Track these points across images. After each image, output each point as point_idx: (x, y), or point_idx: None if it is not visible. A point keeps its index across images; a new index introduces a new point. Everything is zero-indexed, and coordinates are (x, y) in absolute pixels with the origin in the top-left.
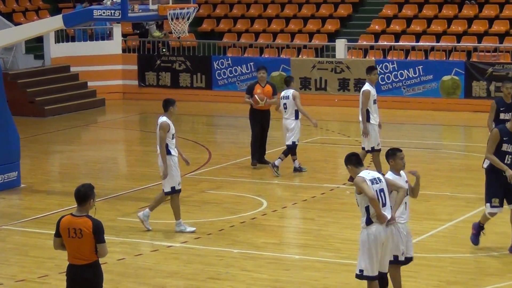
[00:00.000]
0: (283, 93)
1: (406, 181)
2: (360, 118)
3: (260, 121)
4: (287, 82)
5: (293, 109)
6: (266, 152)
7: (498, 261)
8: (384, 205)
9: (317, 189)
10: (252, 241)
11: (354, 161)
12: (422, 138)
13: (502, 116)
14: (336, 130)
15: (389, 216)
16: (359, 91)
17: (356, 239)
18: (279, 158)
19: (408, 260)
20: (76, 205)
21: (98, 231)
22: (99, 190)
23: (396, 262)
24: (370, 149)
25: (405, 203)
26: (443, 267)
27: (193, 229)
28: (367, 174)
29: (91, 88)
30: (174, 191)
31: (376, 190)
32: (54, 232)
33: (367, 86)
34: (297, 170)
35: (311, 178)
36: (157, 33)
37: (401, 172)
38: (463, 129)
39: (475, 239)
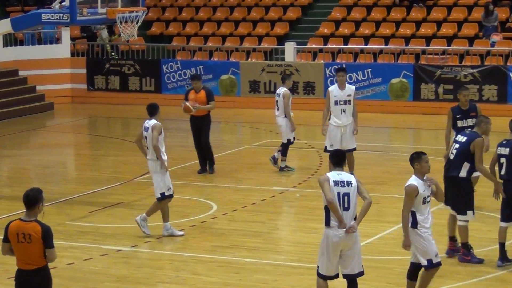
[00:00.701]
0: (277, 90)
1: (429, 185)
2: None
3: (195, 127)
4: (282, 79)
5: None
6: (215, 155)
7: (445, 262)
8: (346, 209)
9: (267, 192)
10: (202, 244)
11: (333, 159)
12: (371, 140)
13: (459, 123)
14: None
15: (350, 223)
16: (308, 94)
17: (306, 241)
18: (278, 151)
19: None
20: (24, 210)
21: (47, 236)
22: (48, 194)
23: (430, 266)
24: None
25: (428, 209)
26: (391, 269)
27: (181, 233)
28: (335, 175)
29: (40, 92)
30: (165, 197)
31: (338, 193)
32: (2, 237)
33: (331, 86)
34: (282, 169)
35: (261, 181)
36: (114, 37)
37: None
38: (412, 131)
39: (477, 259)
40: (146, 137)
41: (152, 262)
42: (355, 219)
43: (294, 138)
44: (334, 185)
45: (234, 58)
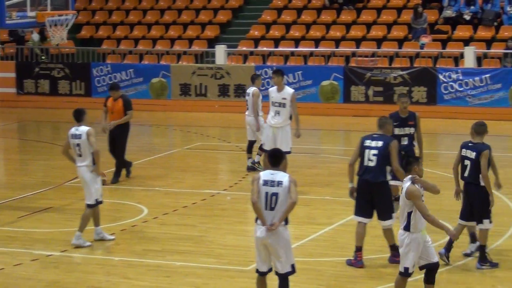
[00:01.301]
0: (247, 90)
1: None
2: None
3: (111, 135)
4: (252, 79)
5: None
6: (134, 163)
7: (377, 263)
8: (272, 209)
9: (198, 195)
10: (133, 248)
11: (269, 159)
12: (301, 142)
13: (396, 131)
14: (217, 136)
15: (273, 221)
16: (239, 97)
17: (237, 244)
18: (257, 154)
19: (432, 266)
20: None
21: None
22: None
23: (403, 274)
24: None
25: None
26: (322, 271)
27: (112, 237)
28: (268, 174)
29: None
30: (98, 203)
31: (266, 193)
32: None
33: (271, 88)
34: (250, 168)
35: (192, 184)
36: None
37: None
38: (342, 133)
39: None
40: (78, 144)
41: (82, 267)
42: (270, 225)
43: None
44: (263, 185)
45: (164, 61)
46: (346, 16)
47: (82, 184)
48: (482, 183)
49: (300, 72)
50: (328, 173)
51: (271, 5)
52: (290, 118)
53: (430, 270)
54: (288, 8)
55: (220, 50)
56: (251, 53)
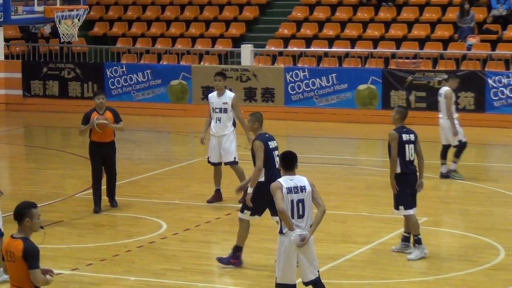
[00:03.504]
0: (439, 91)
1: None
2: None
3: (97, 154)
4: (446, 79)
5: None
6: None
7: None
8: (301, 216)
9: (222, 210)
10: (150, 267)
11: (283, 163)
12: (336, 153)
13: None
14: (243, 145)
15: (302, 232)
16: (267, 102)
17: (265, 264)
18: (453, 162)
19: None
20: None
21: (29, 256)
22: None
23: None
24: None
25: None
26: None
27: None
28: (288, 181)
29: None
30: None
31: (292, 200)
32: None
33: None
34: (444, 176)
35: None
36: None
37: None
38: (381, 143)
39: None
40: None
41: (95, 287)
42: (311, 226)
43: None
44: (288, 192)
45: (185, 62)
46: (385, 13)
47: None
48: None
49: (334, 75)
50: (366, 186)
51: (302, 1)
52: (234, 124)
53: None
54: (321, 4)
55: (246, 50)
56: (280, 53)
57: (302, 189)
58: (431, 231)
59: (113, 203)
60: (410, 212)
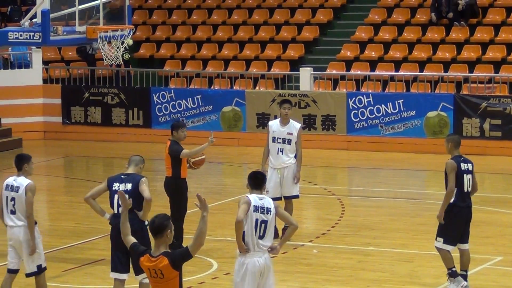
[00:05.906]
0: None
1: None
2: None
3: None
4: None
5: None
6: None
7: None
8: (261, 237)
9: None
10: None
11: (251, 181)
12: (403, 186)
13: None
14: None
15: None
16: (328, 130)
17: None
18: None
19: None
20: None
21: (175, 265)
22: None
23: None
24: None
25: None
26: None
27: None
28: (256, 200)
29: (6, 126)
30: (42, 270)
31: (257, 219)
32: None
33: (271, 121)
34: None
35: None
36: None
37: None
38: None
39: None
40: (12, 198)
41: None
42: (270, 248)
43: None
44: (254, 211)
45: (238, 86)
46: (457, 33)
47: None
48: None
49: (401, 100)
50: (435, 223)
51: (366, 20)
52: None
53: None
54: (387, 24)
55: (305, 74)
56: (342, 77)
57: (268, 211)
58: (507, 272)
59: None
60: (448, 248)
